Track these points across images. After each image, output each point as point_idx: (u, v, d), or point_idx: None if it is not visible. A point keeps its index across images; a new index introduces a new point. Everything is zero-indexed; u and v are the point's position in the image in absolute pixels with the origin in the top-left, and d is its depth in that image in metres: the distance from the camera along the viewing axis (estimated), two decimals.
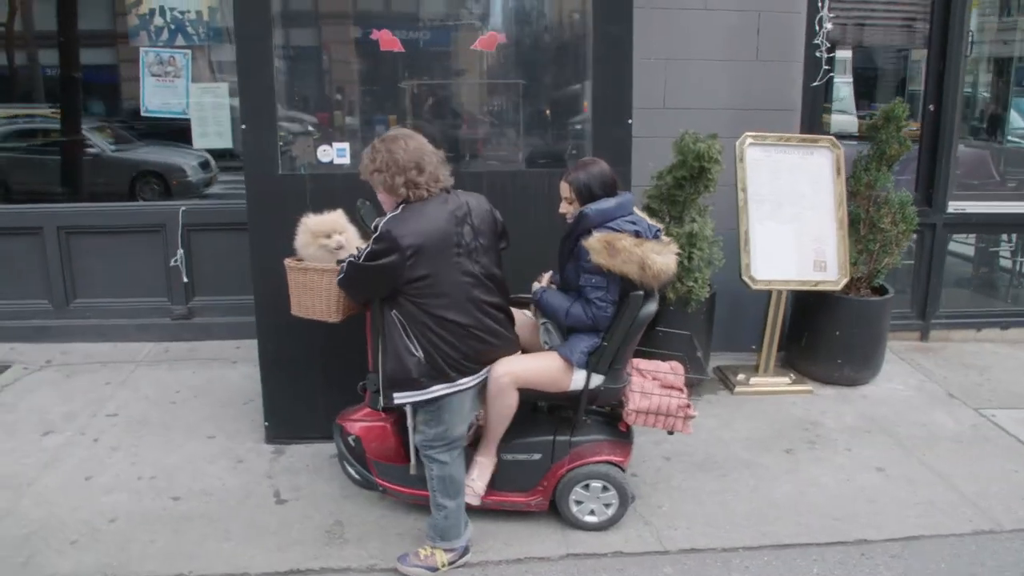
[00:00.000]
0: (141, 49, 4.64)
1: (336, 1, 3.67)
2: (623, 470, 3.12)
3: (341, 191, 3.41)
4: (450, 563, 2.84)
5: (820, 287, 4.36)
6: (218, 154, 5.13)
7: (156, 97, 4.65)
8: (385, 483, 3.13)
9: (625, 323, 2.88)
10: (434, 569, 2.81)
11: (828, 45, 4.83)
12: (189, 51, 4.66)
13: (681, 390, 3.22)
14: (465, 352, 2.72)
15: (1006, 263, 5.84)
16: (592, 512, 3.10)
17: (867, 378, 4.64)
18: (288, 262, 3.13)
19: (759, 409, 4.26)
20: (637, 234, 2.85)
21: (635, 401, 3.08)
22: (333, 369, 3.66)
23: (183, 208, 4.69)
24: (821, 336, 4.56)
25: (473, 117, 3.67)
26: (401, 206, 2.70)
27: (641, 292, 2.86)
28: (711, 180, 3.89)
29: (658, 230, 2.99)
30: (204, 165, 5.51)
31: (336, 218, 3.11)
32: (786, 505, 3.32)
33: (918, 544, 3.06)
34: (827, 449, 3.84)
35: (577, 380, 2.96)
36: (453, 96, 3.71)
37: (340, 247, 3.05)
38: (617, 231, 2.83)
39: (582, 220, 2.84)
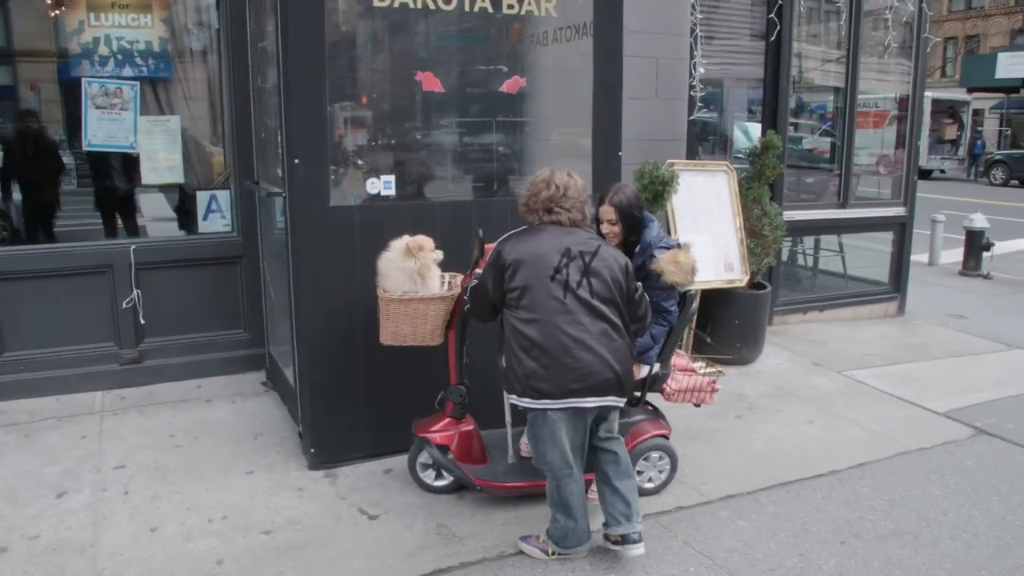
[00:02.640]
0: (84, 80, 4.43)
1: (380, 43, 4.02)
2: (668, 439, 3.90)
3: (387, 221, 3.81)
4: (560, 554, 3.28)
5: (730, 285, 5.51)
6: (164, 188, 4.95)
7: (100, 130, 4.47)
8: (483, 482, 3.60)
9: (683, 321, 3.68)
10: (545, 552, 3.29)
11: (701, 86, 6.06)
12: (137, 83, 4.55)
13: (694, 370, 4.09)
14: (528, 370, 2.98)
15: (809, 259, 7.60)
16: (650, 479, 3.84)
17: (756, 357, 5.90)
18: (388, 295, 3.46)
19: None
20: (672, 247, 3.66)
21: (675, 383, 3.88)
22: (374, 391, 3.98)
23: (134, 247, 4.55)
24: (723, 325, 5.72)
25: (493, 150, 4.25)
26: (525, 227, 3.21)
27: (694, 292, 3.68)
28: (666, 200, 4.83)
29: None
30: None
31: (420, 239, 3.51)
32: (767, 455, 4.33)
33: (869, 467, 4.22)
34: (765, 412, 4.95)
35: (642, 371, 3.69)
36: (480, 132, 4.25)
37: (437, 262, 3.49)
38: (667, 248, 3.60)
39: (647, 247, 3.56)
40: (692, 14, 5.95)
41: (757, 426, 4.73)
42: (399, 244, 3.53)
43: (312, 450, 3.93)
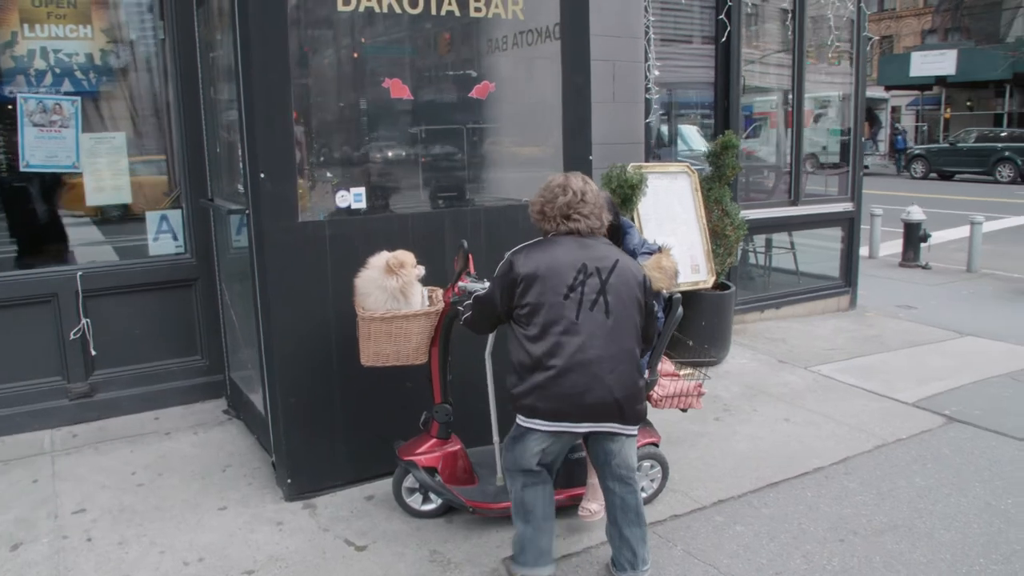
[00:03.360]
0: (19, 95, 4.12)
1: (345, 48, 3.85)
2: (658, 447, 3.83)
3: (358, 235, 3.65)
4: (517, 572, 3.05)
5: (696, 286, 5.51)
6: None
7: (40, 150, 4.16)
8: (476, 504, 3.47)
9: (669, 326, 3.61)
10: (509, 572, 3.13)
11: (656, 88, 6.07)
12: (78, 98, 4.25)
13: (677, 375, 4.05)
14: (527, 387, 2.82)
15: (762, 257, 7.70)
16: (643, 489, 3.75)
17: (723, 357, 5.92)
18: (368, 314, 3.29)
19: None
20: (654, 252, 3.60)
21: (661, 390, 3.82)
22: (351, 415, 3.80)
23: (81, 273, 4.26)
24: (691, 327, 5.70)
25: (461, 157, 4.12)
26: (539, 239, 3.00)
27: (678, 296, 3.62)
28: (635, 203, 4.78)
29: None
30: None
31: (399, 255, 3.36)
32: (751, 456, 4.31)
33: (852, 462, 4.24)
34: (741, 413, 4.94)
35: None
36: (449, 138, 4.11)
37: (419, 277, 3.34)
38: (649, 254, 3.54)
39: (631, 255, 3.46)
40: (644, 16, 5.95)
41: (736, 427, 4.72)
42: (378, 261, 3.37)
43: (288, 480, 3.72)
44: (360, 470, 3.88)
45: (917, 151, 25.07)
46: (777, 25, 7.06)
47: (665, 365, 4.09)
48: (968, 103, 28.44)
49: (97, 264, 4.39)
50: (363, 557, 3.33)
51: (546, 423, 2.86)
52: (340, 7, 3.51)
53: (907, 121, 31.37)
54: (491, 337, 3.44)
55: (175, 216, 4.56)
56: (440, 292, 3.54)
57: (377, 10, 3.56)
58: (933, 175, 23.81)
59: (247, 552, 3.33)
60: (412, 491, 3.64)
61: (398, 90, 3.72)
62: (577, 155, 4.22)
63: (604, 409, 2.85)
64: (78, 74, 4.26)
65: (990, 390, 5.28)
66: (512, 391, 2.92)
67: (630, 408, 2.90)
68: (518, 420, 2.95)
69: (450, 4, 3.73)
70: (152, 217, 4.53)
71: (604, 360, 2.82)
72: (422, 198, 4.10)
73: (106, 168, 4.36)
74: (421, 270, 3.37)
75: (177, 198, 4.58)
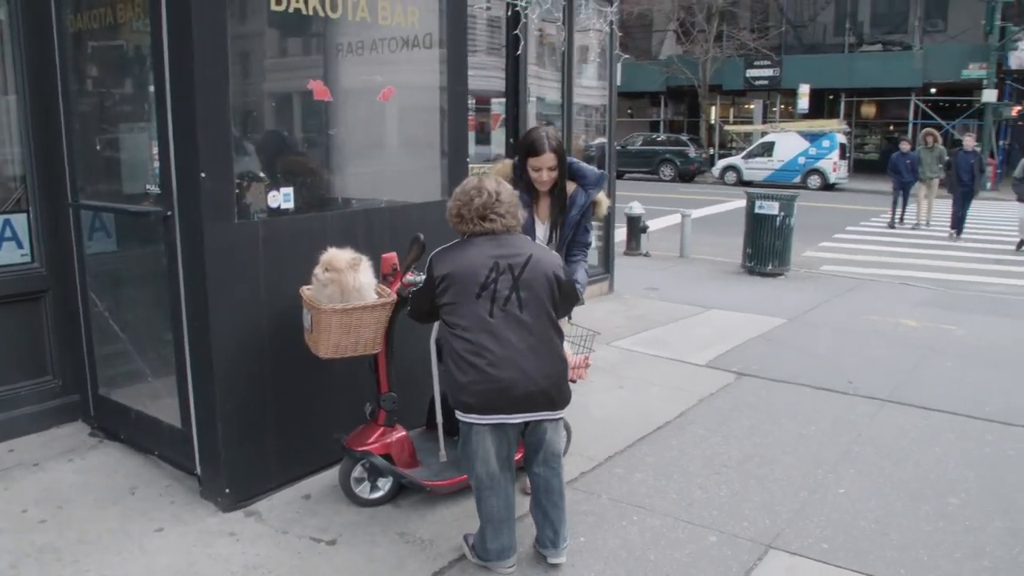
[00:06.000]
0: None
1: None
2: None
3: (288, 236, 3.75)
4: (479, 563, 3.35)
5: None
6: None
7: None
8: (431, 483, 3.78)
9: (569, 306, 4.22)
10: (471, 556, 3.38)
11: None
12: None
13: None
14: (459, 383, 3.05)
15: None
16: None
17: None
18: (329, 307, 3.43)
19: None
20: None
21: None
22: (282, 416, 3.89)
23: None
24: None
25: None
26: (457, 240, 3.25)
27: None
28: None
29: None
30: None
31: (333, 255, 3.51)
32: (612, 419, 5.10)
33: (689, 414, 5.23)
34: (582, 385, 5.65)
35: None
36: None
37: (329, 283, 3.45)
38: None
39: (597, 181, 3.83)
40: None
41: (585, 396, 5.46)
42: (323, 257, 3.49)
43: (227, 490, 3.68)
44: (288, 471, 3.95)
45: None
46: (553, 43, 8.00)
47: None
48: (629, 111, 32.95)
49: None
50: (339, 550, 3.47)
51: (481, 416, 3.08)
52: (273, 6, 3.56)
53: None
54: (435, 325, 3.75)
55: (20, 221, 4.07)
56: (382, 287, 3.75)
57: (304, 12, 3.66)
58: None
59: (218, 566, 3.30)
60: (360, 481, 3.82)
61: (320, 92, 3.85)
62: (457, 153, 4.64)
63: (530, 400, 3.09)
64: None
65: (754, 350, 6.70)
66: (449, 387, 3.17)
67: (558, 394, 3.18)
68: (458, 416, 3.14)
69: (363, 11, 3.94)
70: None
71: (524, 353, 3.06)
72: (339, 199, 4.22)
73: None
74: (328, 276, 3.45)
75: (19, 200, 4.10)
